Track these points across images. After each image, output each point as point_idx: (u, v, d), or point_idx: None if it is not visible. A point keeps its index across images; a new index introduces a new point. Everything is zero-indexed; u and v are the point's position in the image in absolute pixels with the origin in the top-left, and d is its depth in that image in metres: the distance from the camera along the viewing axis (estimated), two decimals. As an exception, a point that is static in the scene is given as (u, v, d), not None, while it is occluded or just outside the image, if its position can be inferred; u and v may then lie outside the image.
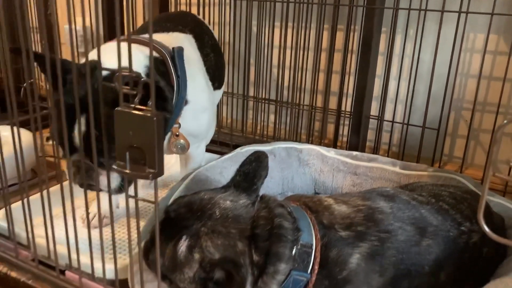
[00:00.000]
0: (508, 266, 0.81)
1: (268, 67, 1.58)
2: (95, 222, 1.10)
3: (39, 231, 0.86)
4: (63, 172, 0.93)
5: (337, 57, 1.51)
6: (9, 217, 0.88)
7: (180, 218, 0.73)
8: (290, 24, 1.49)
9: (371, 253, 0.74)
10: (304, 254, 0.72)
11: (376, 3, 1.30)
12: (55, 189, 0.84)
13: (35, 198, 0.85)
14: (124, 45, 0.57)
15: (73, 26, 0.72)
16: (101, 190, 0.87)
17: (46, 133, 1.00)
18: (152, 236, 0.77)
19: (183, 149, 1.06)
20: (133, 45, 0.82)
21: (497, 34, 1.31)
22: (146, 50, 0.89)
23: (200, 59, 1.15)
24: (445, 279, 0.78)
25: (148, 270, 0.75)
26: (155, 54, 0.95)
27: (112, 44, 0.73)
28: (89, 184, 0.85)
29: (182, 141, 1.05)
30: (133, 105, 0.57)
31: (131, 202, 0.64)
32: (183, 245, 0.70)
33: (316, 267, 0.72)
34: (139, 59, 0.87)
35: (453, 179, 1.10)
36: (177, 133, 1.04)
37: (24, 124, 0.87)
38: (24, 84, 1.68)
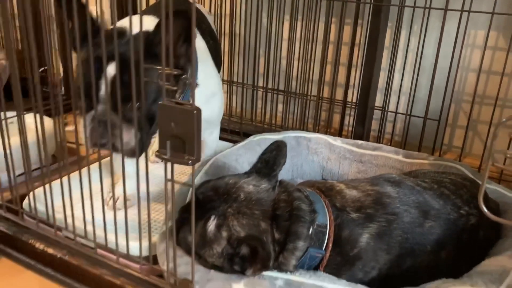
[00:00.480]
0: (502, 246, 0.87)
1: (277, 58, 1.63)
2: (118, 204, 1.17)
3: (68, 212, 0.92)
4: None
5: (344, 50, 1.56)
6: (47, 198, 0.95)
7: (208, 200, 0.80)
8: (299, 17, 1.53)
9: (379, 233, 0.81)
10: (319, 233, 0.79)
11: (383, 0, 1.35)
12: (75, 174, 0.87)
13: (58, 182, 0.90)
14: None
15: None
16: (115, 150, 0.86)
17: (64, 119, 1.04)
18: (181, 216, 0.84)
19: None
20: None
21: (496, 31, 1.36)
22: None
23: (205, 45, 1.17)
24: (445, 258, 0.84)
25: (170, 247, 0.81)
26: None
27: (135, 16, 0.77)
28: (104, 144, 0.86)
29: None
30: (174, 100, 0.65)
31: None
32: (212, 224, 0.77)
33: (330, 245, 0.80)
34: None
35: (453, 167, 1.15)
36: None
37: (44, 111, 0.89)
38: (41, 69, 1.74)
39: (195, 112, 0.63)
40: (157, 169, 1.40)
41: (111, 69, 0.80)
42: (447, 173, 1.03)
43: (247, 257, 0.75)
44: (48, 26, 0.88)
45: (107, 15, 0.80)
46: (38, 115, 0.89)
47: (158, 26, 0.81)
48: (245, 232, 0.76)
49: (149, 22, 0.81)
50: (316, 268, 0.81)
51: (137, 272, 0.87)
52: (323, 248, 0.79)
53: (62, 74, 1.83)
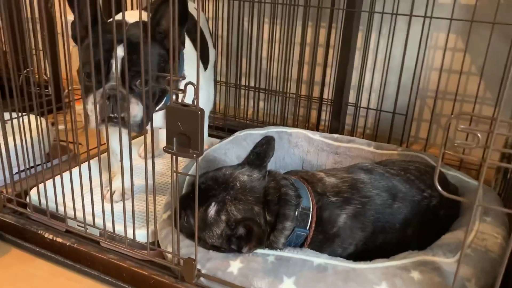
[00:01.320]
0: (459, 223, 1.00)
1: (259, 59, 1.71)
2: (116, 197, 1.25)
3: (71, 204, 1.01)
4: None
5: (320, 52, 1.65)
6: (60, 192, 1.03)
7: (208, 189, 0.90)
8: (278, 21, 1.63)
9: (355, 214, 0.93)
10: (304, 215, 0.91)
11: (355, 7, 1.46)
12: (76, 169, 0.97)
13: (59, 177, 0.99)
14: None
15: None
16: (121, 124, 0.91)
17: (50, 118, 1.12)
18: (182, 203, 0.94)
19: None
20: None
21: (455, 35, 1.48)
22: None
23: (191, 43, 1.21)
24: (411, 234, 0.96)
25: (174, 232, 0.90)
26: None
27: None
28: (111, 119, 0.93)
29: None
30: (180, 102, 0.76)
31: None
32: (212, 210, 0.88)
33: (313, 225, 0.91)
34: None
35: (418, 157, 1.26)
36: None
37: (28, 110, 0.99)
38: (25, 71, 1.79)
39: (199, 113, 0.74)
40: (148, 165, 1.49)
41: (120, 51, 0.89)
42: (413, 161, 1.14)
43: (243, 237, 0.86)
44: (34, 26, 0.96)
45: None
46: (32, 116, 0.98)
47: (155, 12, 0.93)
48: (241, 215, 0.87)
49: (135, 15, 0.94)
50: (301, 246, 0.92)
51: (142, 255, 0.97)
52: (307, 228, 0.91)
53: (48, 74, 1.88)
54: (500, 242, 0.91)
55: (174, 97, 0.76)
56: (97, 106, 0.92)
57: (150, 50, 0.85)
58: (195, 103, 0.74)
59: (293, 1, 1.56)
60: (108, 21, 0.94)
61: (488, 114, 1.50)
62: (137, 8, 1.47)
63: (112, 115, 0.94)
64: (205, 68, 1.35)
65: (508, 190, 1.16)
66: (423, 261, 0.84)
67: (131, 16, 1.00)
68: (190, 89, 0.73)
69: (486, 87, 1.49)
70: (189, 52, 1.14)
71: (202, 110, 0.74)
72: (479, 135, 0.59)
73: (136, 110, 0.95)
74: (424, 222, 0.98)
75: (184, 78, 0.76)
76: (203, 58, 1.33)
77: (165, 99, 1.06)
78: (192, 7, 1.43)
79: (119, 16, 0.99)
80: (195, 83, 1.15)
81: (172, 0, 0.71)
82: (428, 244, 0.92)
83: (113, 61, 0.91)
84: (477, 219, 0.97)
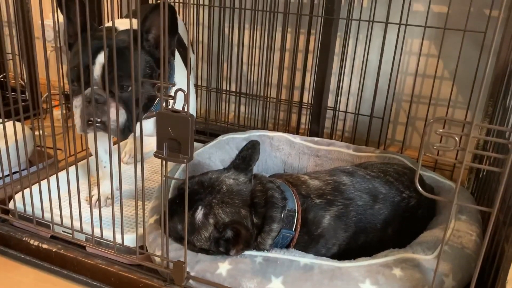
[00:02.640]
0: (436, 222, 1.05)
1: (239, 64, 1.73)
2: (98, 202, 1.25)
3: (56, 210, 1.01)
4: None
5: (300, 57, 1.68)
6: (46, 198, 1.02)
7: (195, 193, 0.91)
8: (258, 27, 1.66)
9: (338, 215, 0.96)
10: (290, 216, 0.93)
11: (333, 14, 1.50)
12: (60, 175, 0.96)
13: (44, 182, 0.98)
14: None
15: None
16: (99, 127, 0.95)
17: (28, 124, 1.11)
18: (170, 208, 0.95)
19: None
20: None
21: (429, 41, 1.53)
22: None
23: (177, 53, 1.23)
24: (391, 233, 1.00)
25: (163, 235, 0.91)
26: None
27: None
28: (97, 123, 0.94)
29: None
30: (170, 108, 0.77)
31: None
32: (199, 213, 0.89)
33: (299, 226, 0.94)
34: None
35: (395, 159, 1.31)
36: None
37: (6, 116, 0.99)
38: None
39: (190, 118, 0.76)
40: (130, 170, 1.49)
41: (102, 56, 0.92)
42: (391, 163, 1.19)
43: (231, 239, 0.88)
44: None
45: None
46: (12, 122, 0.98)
47: (143, 21, 0.95)
48: (229, 218, 0.89)
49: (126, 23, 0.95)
50: (287, 247, 0.95)
51: (130, 259, 0.98)
52: (293, 229, 0.94)
53: (25, 79, 1.86)
54: (475, 239, 0.96)
55: (164, 103, 0.77)
56: (79, 110, 0.94)
57: (135, 56, 0.86)
58: (185, 109, 0.76)
59: (273, 8, 1.59)
60: (99, 27, 0.95)
61: (460, 117, 1.57)
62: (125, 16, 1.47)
63: (92, 119, 0.94)
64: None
65: (480, 190, 1.22)
66: (404, 259, 0.88)
67: (122, 24, 1.01)
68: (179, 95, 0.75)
69: (458, 91, 1.56)
70: (177, 60, 1.16)
71: (192, 116, 0.76)
72: (456, 138, 0.63)
73: (115, 114, 0.96)
74: (403, 221, 1.02)
75: (174, 84, 0.78)
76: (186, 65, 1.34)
77: (154, 106, 1.08)
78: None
79: (110, 24, 1.00)
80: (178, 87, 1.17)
81: (163, 8, 0.73)
82: (407, 242, 0.97)
83: (95, 67, 0.93)
84: (453, 217, 1.02)
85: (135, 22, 0.85)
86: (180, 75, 1.15)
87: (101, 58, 0.94)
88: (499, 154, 0.62)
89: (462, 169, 0.60)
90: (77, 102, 0.97)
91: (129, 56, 0.82)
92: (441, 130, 0.63)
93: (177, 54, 1.18)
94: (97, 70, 0.95)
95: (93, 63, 0.94)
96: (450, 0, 1.33)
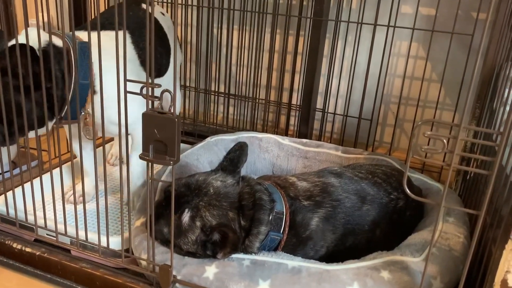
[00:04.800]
0: (424, 223, 1.05)
1: (228, 65, 1.72)
2: (72, 198, 1.23)
3: (40, 212, 0.99)
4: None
5: (288, 58, 1.68)
6: (30, 201, 1.00)
7: (181, 196, 0.90)
8: (247, 28, 1.65)
9: (326, 217, 0.96)
10: (278, 219, 0.93)
11: (322, 15, 1.50)
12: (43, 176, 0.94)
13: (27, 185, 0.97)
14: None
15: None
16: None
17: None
18: (156, 211, 0.94)
19: (90, 136, 1.12)
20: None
21: (417, 43, 1.54)
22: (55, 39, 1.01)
23: (133, 53, 1.19)
24: (379, 235, 1.00)
25: (149, 238, 0.89)
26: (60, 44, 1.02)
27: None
28: None
29: (90, 127, 1.10)
30: (157, 110, 0.76)
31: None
32: (186, 216, 0.88)
33: (287, 228, 0.93)
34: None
35: (383, 160, 1.32)
36: (86, 119, 1.09)
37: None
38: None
39: (176, 120, 0.74)
40: (116, 172, 1.48)
41: None
42: (379, 165, 1.19)
43: (218, 242, 0.87)
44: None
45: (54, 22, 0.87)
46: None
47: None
48: (216, 221, 0.88)
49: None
50: (275, 249, 0.94)
51: (115, 263, 0.96)
52: (281, 232, 0.93)
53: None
54: (462, 241, 0.96)
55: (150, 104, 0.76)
56: None
57: None
58: (171, 110, 0.74)
59: (261, 9, 1.58)
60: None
61: (448, 119, 1.58)
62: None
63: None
64: (160, 75, 1.33)
65: (468, 191, 1.23)
66: (392, 261, 0.88)
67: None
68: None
69: (446, 93, 1.57)
70: (111, 64, 1.12)
71: (178, 118, 0.75)
72: (444, 140, 0.62)
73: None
74: (391, 223, 1.02)
75: (160, 86, 0.77)
76: (160, 67, 1.32)
77: None
78: (158, 11, 1.43)
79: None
80: (111, 96, 1.09)
81: (149, 16, 0.72)
82: (395, 244, 0.96)
83: None
84: (441, 219, 1.02)
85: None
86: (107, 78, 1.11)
87: None
88: (487, 157, 0.62)
89: (450, 172, 0.60)
90: None
91: None
92: (429, 133, 0.62)
93: (112, 56, 1.14)
94: None
95: None
96: (438, 2, 1.34)
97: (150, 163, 0.80)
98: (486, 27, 0.60)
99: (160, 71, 1.33)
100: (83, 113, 1.09)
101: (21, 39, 0.89)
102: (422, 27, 1.43)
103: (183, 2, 1.69)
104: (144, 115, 0.76)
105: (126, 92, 0.79)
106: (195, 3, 1.69)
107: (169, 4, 1.70)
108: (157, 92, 0.76)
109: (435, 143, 1.51)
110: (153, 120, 0.75)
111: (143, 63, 1.21)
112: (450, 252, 0.92)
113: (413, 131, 0.66)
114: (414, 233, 1.01)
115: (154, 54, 1.16)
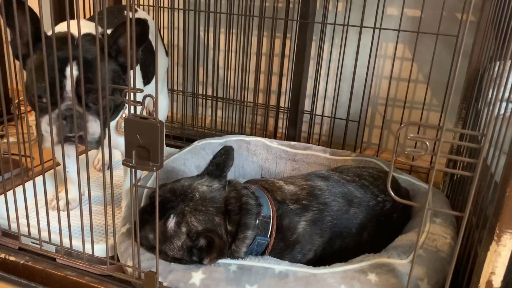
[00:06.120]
0: (411, 225, 1.05)
1: (215, 68, 1.72)
2: (62, 207, 1.21)
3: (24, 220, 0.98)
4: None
5: (276, 61, 1.69)
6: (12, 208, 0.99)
7: (167, 201, 0.89)
8: (234, 31, 1.65)
9: (313, 220, 0.95)
10: (264, 223, 0.92)
11: (308, 18, 1.50)
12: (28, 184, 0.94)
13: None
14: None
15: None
16: (82, 141, 0.92)
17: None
18: (141, 217, 0.93)
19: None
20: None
21: (403, 45, 1.55)
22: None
23: None
24: (367, 237, 1.00)
25: (134, 245, 0.87)
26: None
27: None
28: (69, 138, 0.93)
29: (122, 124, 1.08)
30: (139, 115, 0.75)
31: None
32: (171, 222, 0.87)
33: (274, 232, 0.93)
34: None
35: (371, 162, 1.32)
36: (124, 115, 1.10)
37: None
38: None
39: (159, 125, 0.74)
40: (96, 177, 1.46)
41: (74, 69, 0.90)
42: (366, 167, 1.19)
43: (204, 248, 0.86)
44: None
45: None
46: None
47: (114, 31, 0.93)
48: (202, 226, 0.87)
49: (90, 27, 0.95)
50: (262, 254, 0.94)
51: (101, 270, 0.95)
52: (268, 236, 0.93)
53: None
54: (449, 242, 0.96)
55: (132, 109, 0.75)
56: (54, 127, 0.91)
57: (102, 67, 0.83)
58: (154, 115, 0.74)
59: (248, 12, 1.58)
60: (51, 34, 0.91)
61: (435, 119, 1.58)
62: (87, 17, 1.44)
63: (70, 135, 0.93)
64: (149, 82, 1.33)
65: (455, 191, 1.23)
66: (379, 264, 0.88)
67: (84, 27, 0.98)
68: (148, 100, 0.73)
69: (433, 94, 1.57)
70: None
71: (161, 123, 0.74)
72: (427, 143, 0.62)
73: (94, 127, 0.95)
74: (378, 225, 1.02)
75: (142, 90, 0.76)
76: (149, 73, 1.30)
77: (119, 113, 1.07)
78: (142, 15, 1.42)
79: (61, 27, 0.97)
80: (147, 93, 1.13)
81: (130, 22, 0.71)
82: (382, 246, 0.96)
83: (66, 81, 0.91)
84: (428, 220, 1.02)
85: (93, 26, 0.83)
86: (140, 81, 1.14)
87: (69, 71, 0.91)
88: (470, 159, 0.62)
89: (433, 174, 0.60)
90: (46, 119, 0.93)
91: (97, 67, 0.80)
92: (412, 135, 0.62)
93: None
94: (68, 85, 0.92)
95: (64, 77, 0.92)
96: (423, 4, 1.34)
97: (133, 169, 0.79)
98: (467, 27, 0.60)
99: (148, 78, 1.32)
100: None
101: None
102: (408, 28, 1.44)
103: (170, 5, 1.68)
104: (126, 120, 0.75)
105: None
106: (181, 6, 1.68)
107: (152, 8, 1.69)
108: (140, 97, 0.75)
109: (422, 145, 1.51)
110: (135, 125, 0.74)
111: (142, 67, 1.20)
112: (437, 253, 0.92)
113: (397, 134, 0.65)
114: (401, 234, 1.01)
115: (141, 61, 1.21)
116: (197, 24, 1.68)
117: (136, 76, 1.07)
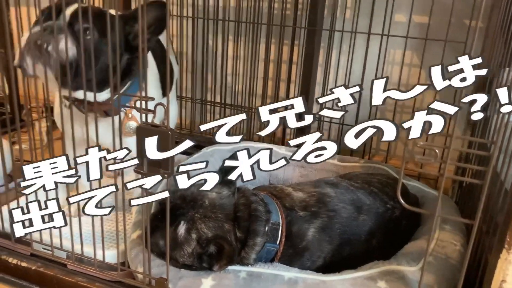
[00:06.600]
0: (420, 232, 1.05)
1: (224, 75, 1.73)
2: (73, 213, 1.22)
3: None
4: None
5: (284, 68, 1.69)
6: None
7: (177, 208, 0.90)
8: (242, 38, 1.66)
9: (322, 227, 0.96)
10: (274, 230, 0.93)
11: (316, 25, 1.51)
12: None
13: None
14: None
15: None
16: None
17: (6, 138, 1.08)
18: (151, 224, 0.94)
19: (134, 131, 1.03)
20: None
21: (411, 51, 1.54)
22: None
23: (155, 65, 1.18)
24: (376, 244, 1.00)
25: (145, 251, 0.90)
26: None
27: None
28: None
29: (133, 123, 1.05)
30: (151, 123, 0.76)
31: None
32: (182, 229, 0.88)
33: (283, 239, 0.93)
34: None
35: (380, 168, 1.32)
36: (131, 115, 1.05)
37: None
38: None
39: (170, 133, 0.75)
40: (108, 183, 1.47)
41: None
42: (375, 174, 1.19)
43: (214, 255, 0.87)
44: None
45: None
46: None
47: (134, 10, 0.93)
48: (212, 233, 0.88)
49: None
50: (272, 260, 0.94)
51: (112, 276, 0.96)
52: (277, 243, 0.93)
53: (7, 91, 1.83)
54: (459, 249, 0.96)
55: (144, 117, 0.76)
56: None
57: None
58: (165, 123, 0.75)
59: (256, 20, 1.59)
60: None
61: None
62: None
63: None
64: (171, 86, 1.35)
65: (464, 198, 1.23)
66: (389, 271, 0.88)
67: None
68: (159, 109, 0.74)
69: (442, 100, 1.57)
70: (154, 71, 1.15)
71: (172, 131, 0.75)
72: (437, 150, 0.63)
73: (63, 44, 0.84)
74: (387, 232, 1.02)
75: (153, 99, 0.77)
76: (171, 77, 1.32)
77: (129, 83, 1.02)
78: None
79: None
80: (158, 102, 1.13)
81: (141, 13, 0.71)
82: (391, 253, 0.96)
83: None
84: (437, 227, 1.02)
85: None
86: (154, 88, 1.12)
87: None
88: (480, 167, 0.62)
89: (443, 182, 0.60)
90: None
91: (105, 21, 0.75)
92: (421, 143, 0.62)
93: (153, 64, 1.15)
94: (68, 11, 0.88)
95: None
96: (431, 10, 1.34)
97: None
98: (476, 34, 0.60)
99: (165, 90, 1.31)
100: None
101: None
102: (416, 35, 1.44)
103: (178, 14, 1.69)
104: (138, 129, 0.76)
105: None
106: (190, 14, 1.70)
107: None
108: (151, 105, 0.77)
109: (430, 152, 1.51)
110: (147, 133, 0.75)
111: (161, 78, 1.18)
112: (446, 261, 0.92)
113: (406, 141, 0.66)
114: (411, 241, 1.01)
115: (159, 73, 1.17)
116: (205, 31, 1.70)
117: (154, 85, 1.09)
